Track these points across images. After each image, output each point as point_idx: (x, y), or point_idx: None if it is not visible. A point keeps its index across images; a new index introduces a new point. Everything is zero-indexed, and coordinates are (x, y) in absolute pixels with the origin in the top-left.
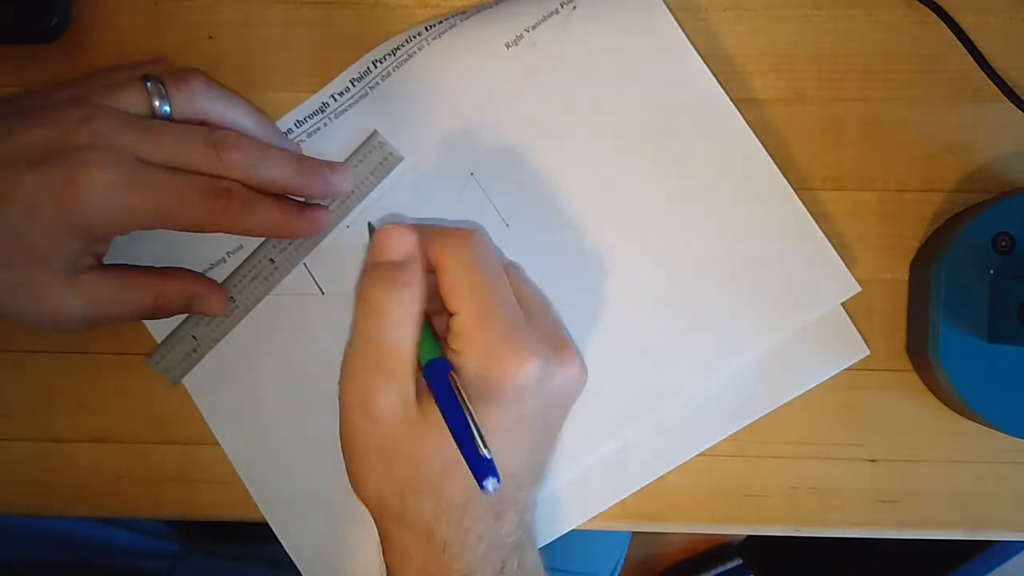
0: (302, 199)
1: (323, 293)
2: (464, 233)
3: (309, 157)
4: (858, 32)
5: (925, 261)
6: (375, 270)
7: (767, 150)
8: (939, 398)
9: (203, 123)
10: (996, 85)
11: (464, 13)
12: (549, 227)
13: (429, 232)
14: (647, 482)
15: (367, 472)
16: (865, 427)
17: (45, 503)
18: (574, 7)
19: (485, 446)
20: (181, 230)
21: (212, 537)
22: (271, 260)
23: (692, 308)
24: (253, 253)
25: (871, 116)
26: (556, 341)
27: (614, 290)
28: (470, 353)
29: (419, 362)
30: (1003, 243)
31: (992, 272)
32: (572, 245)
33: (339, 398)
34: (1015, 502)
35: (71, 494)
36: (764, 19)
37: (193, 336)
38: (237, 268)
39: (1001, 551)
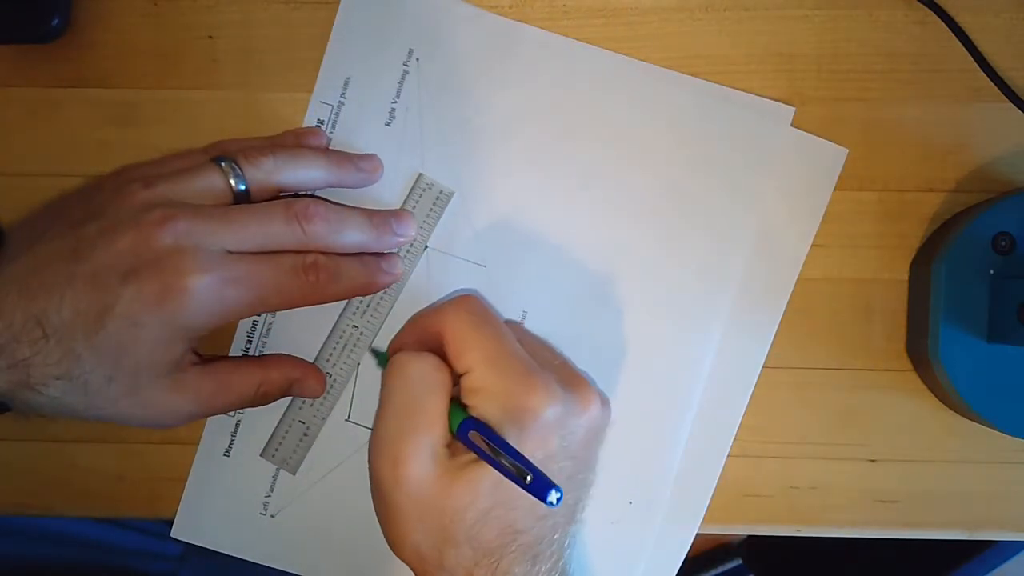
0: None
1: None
2: (458, 300)
3: (376, 210)
4: (858, 32)
5: (925, 261)
6: (402, 353)
7: None
8: (939, 398)
9: (278, 189)
10: (996, 85)
11: None
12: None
13: (428, 314)
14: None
15: (405, 534)
16: (865, 427)
17: (45, 503)
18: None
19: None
20: (276, 311)
21: None
22: (355, 327)
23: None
24: (336, 325)
25: (871, 116)
26: (571, 380)
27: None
28: (488, 404)
29: (451, 430)
30: (1003, 243)
31: (992, 272)
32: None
33: (369, 464)
34: (1015, 502)
35: (71, 494)
36: (764, 19)
37: (301, 421)
38: (325, 342)
39: (1001, 551)
